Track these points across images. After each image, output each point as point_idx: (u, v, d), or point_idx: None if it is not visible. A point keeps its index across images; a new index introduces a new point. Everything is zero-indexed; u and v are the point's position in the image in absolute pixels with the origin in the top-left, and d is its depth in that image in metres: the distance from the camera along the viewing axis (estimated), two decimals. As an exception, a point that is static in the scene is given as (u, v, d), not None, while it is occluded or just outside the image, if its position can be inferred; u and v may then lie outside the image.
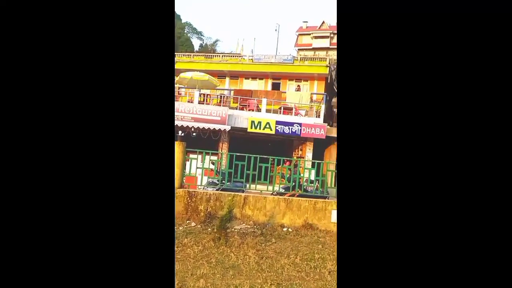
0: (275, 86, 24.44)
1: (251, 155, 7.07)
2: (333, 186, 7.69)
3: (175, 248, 4.61)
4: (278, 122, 15.87)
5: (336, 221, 6.77)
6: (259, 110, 17.12)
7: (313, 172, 7.97)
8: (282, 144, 17.99)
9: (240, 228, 6.16)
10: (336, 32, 34.79)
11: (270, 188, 7.44)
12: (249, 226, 6.36)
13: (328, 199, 7.63)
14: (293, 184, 7.41)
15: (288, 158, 7.96)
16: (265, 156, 7.17)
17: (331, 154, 17.43)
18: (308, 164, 11.52)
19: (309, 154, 16.74)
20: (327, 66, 23.25)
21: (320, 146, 17.79)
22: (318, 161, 8.04)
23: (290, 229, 6.47)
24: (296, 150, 17.49)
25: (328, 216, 6.81)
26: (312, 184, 8.01)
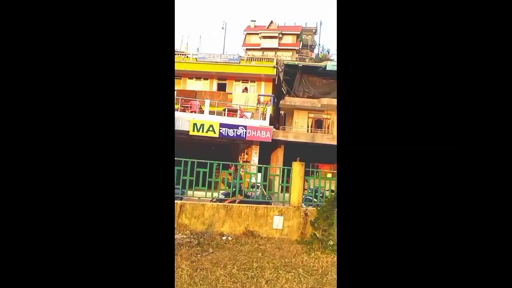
0: (221, 87, 24.36)
1: (187, 159, 6.91)
2: (276, 190, 7.76)
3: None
4: (222, 125, 15.80)
5: (277, 227, 6.82)
6: (202, 112, 16.92)
7: (259, 176, 7.98)
8: (228, 148, 17.93)
9: (175, 239, 5.97)
10: (284, 32, 35.48)
11: (209, 194, 7.32)
12: (185, 236, 6.19)
13: (271, 204, 7.68)
14: (234, 189, 7.36)
15: (233, 163, 7.89)
16: (203, 161, 7.04)
17: (278, 158, 17.69)
18: (254, 169, 11.56)
19: (255, 158, 16.85)
20: (274, 67, 23.62)
21: (266, 149, 17.98)
22: (263, 165, 8.07)
23: (229, 238, 6.40)
24: (242, 154, 17.51)
25: (270, 222, 6.85)
26: (254, 189, 8.01)
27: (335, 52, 30.38)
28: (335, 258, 5.70)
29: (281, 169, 7.67)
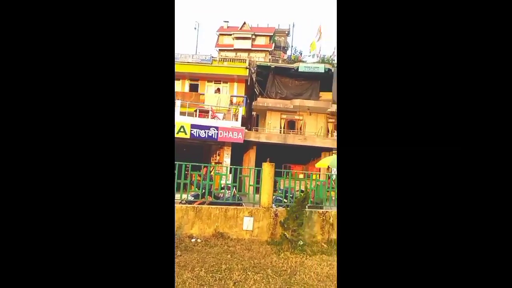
0: (193, 88, 24.12)
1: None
2: (247, 191, 7.74)
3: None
4: (193, 126, 15.65)
5: (247, 229, 6.80)
6: (173, 112, 16.71)
7: (230, 177, 7.94)
8: (199, 149, 17.78)
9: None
10: (257, 33, 35.56)
11: (178, 196, 7.21)
12: (152, 239, 6.07)
13: (242, 205, 7.65)
14: (203, 191, 7.29)
15: (204, 164, 7.80)
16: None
17: (250, 159, 17.70)
18: (225, 170, 11.49)
19: (227, 159, 16.79)
20: (247, 68, 23.63)
21: (239, 150, 17.95)
22: (234, 166, 8.03)
23: (198, 240, 6.33)
24: (214, 155, 17.41)
25: (240, 223, 6.82)
26: (224, 191, 7.97)
27: (307, 54, 30.77)
28: (304, 258, 5.74)
29: (251, 170, 7.67)
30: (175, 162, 6.93)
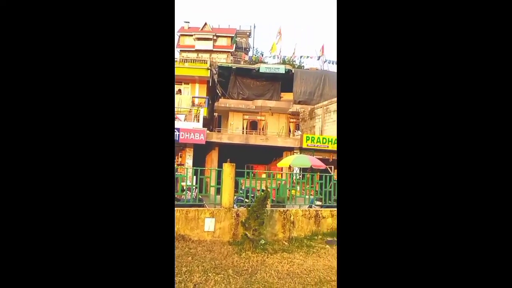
0: (153, 89, 23.64)
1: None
2: (208, 192, 7.69)
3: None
4: (154, 127, 15.33)
5: (209, 230, 6.76)
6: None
7: (192, 179, 7.85)
8: (161, 151, 17.44)
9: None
10: (218, 34, 35.40)
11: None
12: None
13: (204, 206, 7.59)
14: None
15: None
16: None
17: (212, 160, 17.60)
18: (187, 171, 11.35)
19: (189, 161, 16.60)
20: (208, 69, 23.50)
21: (201, 152, 17.80)
22: (195, 168, 7.94)
23: (159, 243, 6.21)
24: (176, 157, 17.16)
25: (201, 225, 6.77)
26: (185, 192, 7.87)
27: (268, 55, 31.04)
28: (265, 257, 5.79)
29: (212, 170, 7.62)
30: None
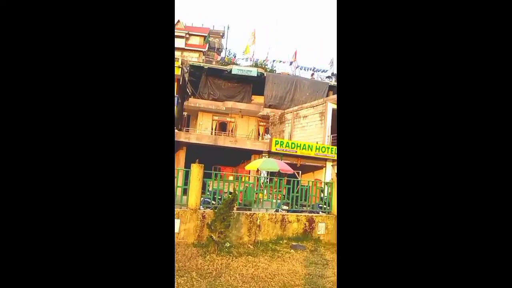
0: (121, 84, 23.08)
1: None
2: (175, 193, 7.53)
3: None
4: (120, 124, 14.93)
5: (178, 231, 6.63)
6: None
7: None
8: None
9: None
10: (191, 33, 35.06)
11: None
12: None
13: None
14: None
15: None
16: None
17: (180, 160, 17.33)
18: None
19: (155, 160, 16.25)
20: (179, 67, 23.19)
21: (168, 151, 17.46)
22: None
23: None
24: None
25: (166, 226, 6.63)
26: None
27: (241, 57, 31.07)
28: (230, 260, 5.74)
29: (179, 170, 7.49)
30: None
